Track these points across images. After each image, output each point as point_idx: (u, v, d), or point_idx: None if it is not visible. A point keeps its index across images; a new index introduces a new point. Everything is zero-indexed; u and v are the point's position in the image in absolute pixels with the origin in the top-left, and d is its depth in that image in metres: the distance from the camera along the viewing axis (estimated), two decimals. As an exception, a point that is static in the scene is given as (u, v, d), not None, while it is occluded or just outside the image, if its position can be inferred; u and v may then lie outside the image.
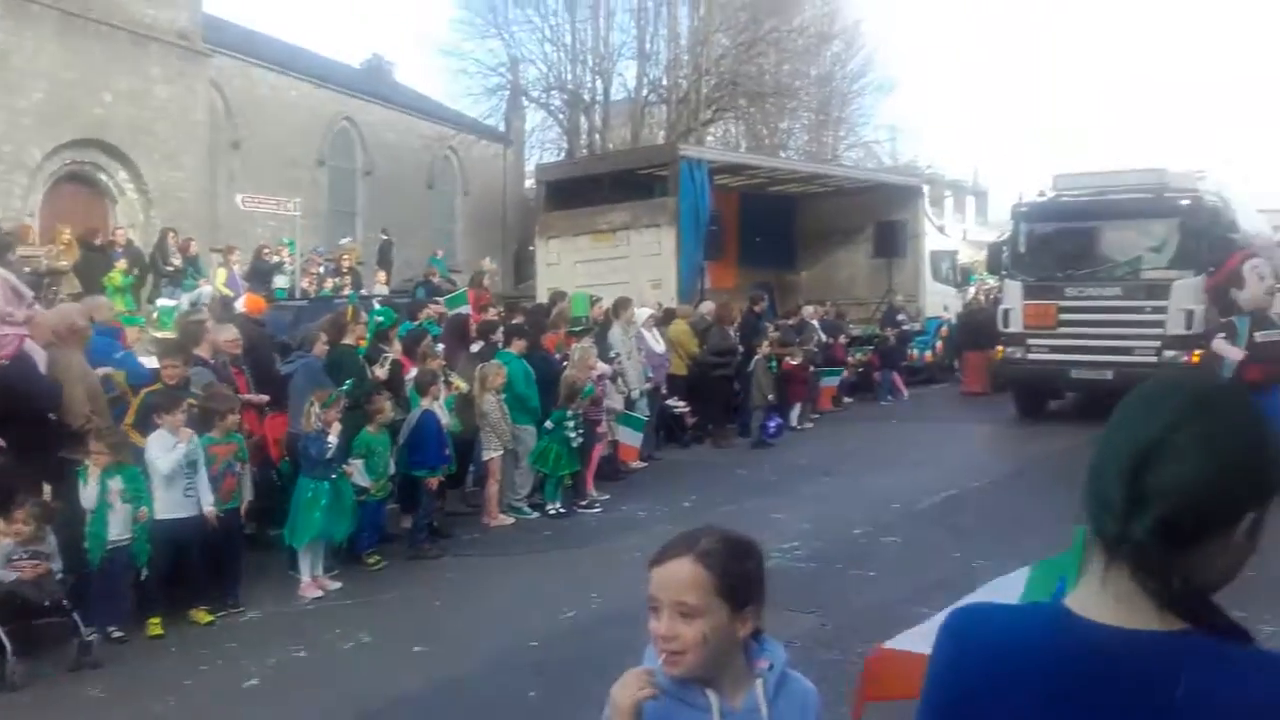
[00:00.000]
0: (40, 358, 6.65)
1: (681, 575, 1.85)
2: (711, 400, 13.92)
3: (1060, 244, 14.42)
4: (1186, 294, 13.03)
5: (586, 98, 31.33)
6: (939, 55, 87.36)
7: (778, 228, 21.26)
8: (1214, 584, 1.24)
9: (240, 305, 10.49)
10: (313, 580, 7.45)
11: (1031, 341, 14.05)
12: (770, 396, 14.01)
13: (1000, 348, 14.88)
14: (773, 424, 13.74)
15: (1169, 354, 12.78)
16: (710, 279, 17.91)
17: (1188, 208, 13.38)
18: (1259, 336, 8.94)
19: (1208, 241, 13.04)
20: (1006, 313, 14.66)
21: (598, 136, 31.22)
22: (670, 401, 13.36)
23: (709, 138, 32.05)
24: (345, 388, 8.14)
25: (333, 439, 7.47)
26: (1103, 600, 1.24)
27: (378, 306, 11.69)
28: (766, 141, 33.09)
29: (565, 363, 10.69)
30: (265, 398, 8.35)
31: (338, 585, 7.55)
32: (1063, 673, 1.23)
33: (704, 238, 15.89)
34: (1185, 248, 13.24)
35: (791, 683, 1.97)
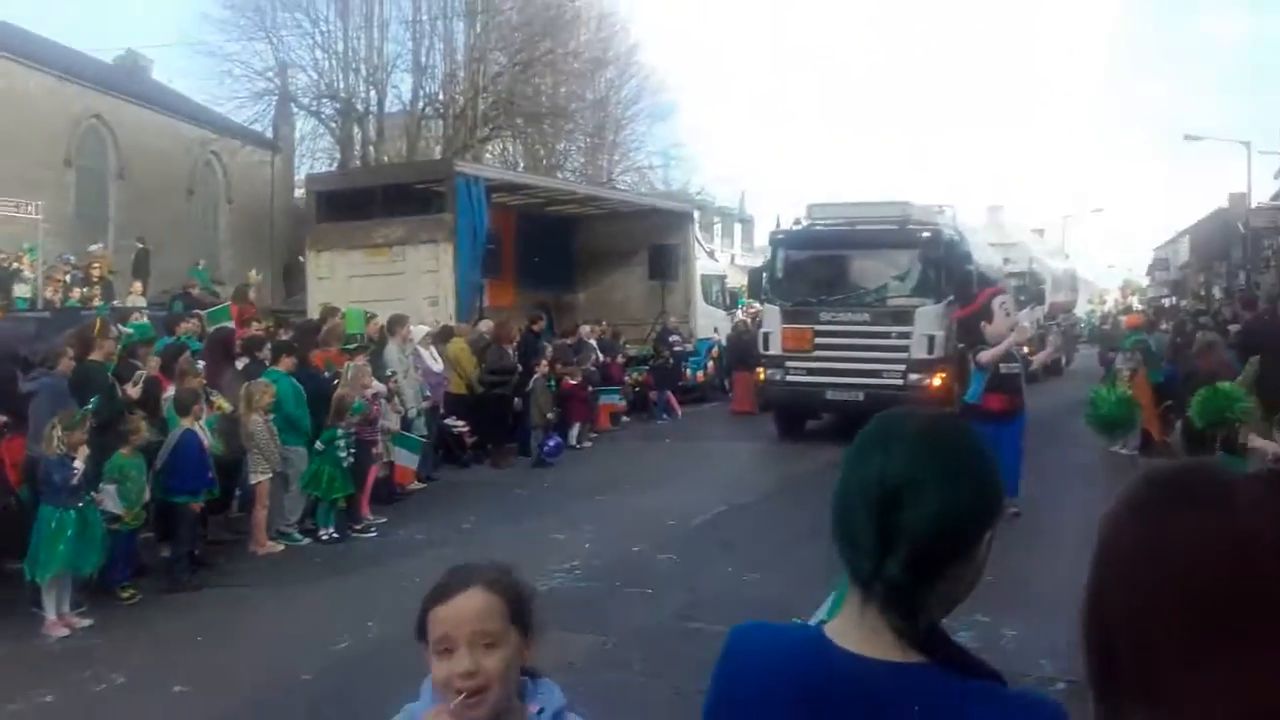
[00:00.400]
0: None
1: (476, 605, 1.80)
2: (490, 419, 13.82)
3: (815, 270, 15.06)
4: (929, 320, 13.84)
5: (360, 108, 30.51)
6: (711, 83, 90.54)
7: (556, 248, 21.40)
8: (958, 600, 1.36)
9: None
10: (59, 618, 6.86)
11: (790, 364, 14.58)
12: (549, 415, 14.05)
13: (761, 370, 15.37)
14: (551, 443, 13.78)
15: (914, 377, 13.59)
16: (489, 297, 17.80)
17: (927, 239, 14.27)
18: (1002, 368, 9.38)
19: (945, 272, 13.99)
20: (766, 336, 15.17)
21: (372, 148, 30.45)
22: (449, 421, 13.16)
23: (486, 155, 31.88)
24: (90, 407, 7.53)
25: (79, 464, 6.90)
26: (858, 630, 1.32)
27: (133, 320, 10.93)
28: (544, 162, 33.25)
29: (336, 381, 10.35)
30: (2, 418, 7.62)
31: (87, 623, 6.97)
32: (813, 697, 1.31)
33: (481, 255, 15.77)
34: (926, 277, 14.10)
35: None
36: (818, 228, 15.40)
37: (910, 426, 1.37)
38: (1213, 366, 10.16)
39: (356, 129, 30.57)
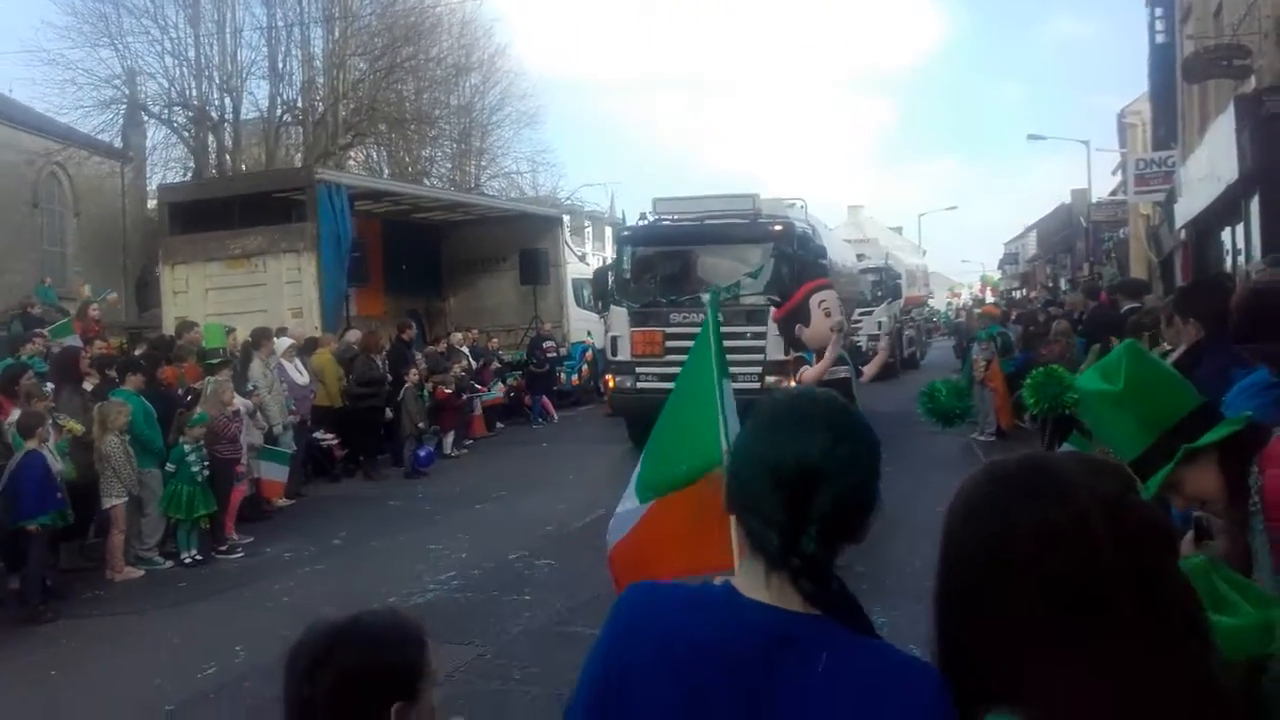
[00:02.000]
0: None
1: None
2: (361, 431, 13.53)
3: (663, 269, 14.16)
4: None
5: (215, 115, 29.46)
6: (578, 87, 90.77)
7: (424, 255, 21.14)
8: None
9: None
10: None
11: (640, 370, 13.59)
12: (421, 425, 13.84)
13: (610, 377, 14.34)
14: (424, 453, 13.57)
15: (770, 380, 12.67)
16: (357, 306, 17.44)
17: (779, 233, 13.47)
18: (827, 375, 7.88)
19: (800, 267, 13.01)
20: (615, 340, 14.15)
21: (228, 157, 29.43)
22: (317, 434, 12.83)
23: (350, 163, 31.19)
24: None
25: None
26: (766, 588, 1.42)
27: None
28: (410, 169, 32.74)
29: (189, 398, 9.98)
30: None
31: None
32: (729, 650, 1.39)
33: (347, 264, 15.42)
34: (779, 273, 13.17)
35: None
36: (665, 224, 14.46)
37: (821, 414, 1.46)
38: (1054, 354, 10.65)
39: (211, 137, 29.51)
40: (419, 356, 14.98)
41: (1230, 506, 2.18)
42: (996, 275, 67.03)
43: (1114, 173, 34.41)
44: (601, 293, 14.76)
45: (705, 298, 4.56)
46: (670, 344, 13.27)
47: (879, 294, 24.95)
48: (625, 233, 15.07)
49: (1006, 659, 1.25)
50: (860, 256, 24.68)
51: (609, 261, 14.73)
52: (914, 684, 1.35)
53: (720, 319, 4.04)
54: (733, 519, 1.52)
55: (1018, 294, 45.40)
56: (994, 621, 1.27)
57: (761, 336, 12.92)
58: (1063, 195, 44.96)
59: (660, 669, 1.41)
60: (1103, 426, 2.39)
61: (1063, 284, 35.92)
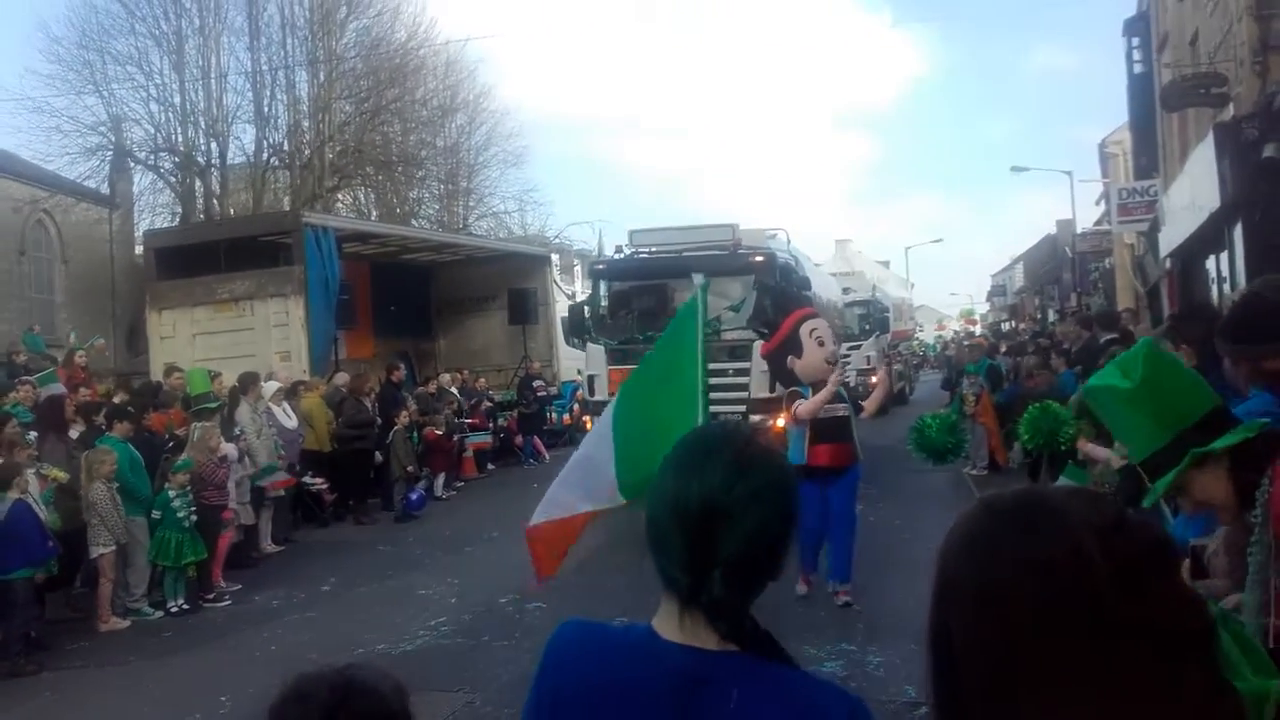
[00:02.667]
0: None
1: None
2: (350, 475, 13.43)
3: (640, 303, 13.41)
4: None
5: (201, 160, 29.51)
6: (564, 128, 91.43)
7: (413, 296, 21.12)
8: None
9: None
10: None
11: None
12: (409, 468, 13.75)
13: (588, 419, 13.04)
14: (415, 495, 13.48)
15: (756, 418, 11.65)
16: (347, 348, 17.39)
17: (760, 265, 12.85)
18: (823, 411, 7.58)
19: (783, 300, 12.30)
20: (592, 380, 13.42)
21: (215, 201, 29.45)
22: (306, 479, 12.72)
23: (339, 205, 31.26)
24: None
25: None
26: (679, 628, 1.43)
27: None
28: (398, 210, 32.79)
29: (171, 444, 9.91)
30: None
31: None
32: (642, 687, 1.42)
33: (335, 306, 15.40)
34: (761, 306, 12.51)
35: None
36: (641, 255, 13.83)
37: (722, 450, 1.44)
38: (1040, 386, 10.65)
39: (198, 182, 29.54)
40: (409, 398, 14.91)
41: (1237, 516, 2.14)
42: (978, 308, 67.30)
43: (1097, 203, 34.64)
44: (576, 329, 14.06)
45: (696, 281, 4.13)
46: None
47: (866, 327, 24.53)
48: (600, 266, 14.42)
49: (1001, 696, 1.21)
50: (846, 290, 24.33)
51: (583, 298, 13.91)
52: (827, 713, 1.38)
53: (706, 307, 3.99)
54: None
55: (1006, 326, 45.56)
56: (990, 659, 1.23)
57: (745, 373, 12.35)
58: (1048, 226, 45.28)
59: (584, 707, 1.45)
60: (1117, 422, 2.35)
61: (1051, 315, 36.08)
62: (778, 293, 12.66)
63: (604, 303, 13.78)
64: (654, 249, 13.81)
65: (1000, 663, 1.22)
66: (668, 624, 1.45)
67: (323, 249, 15.24)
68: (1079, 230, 34.93)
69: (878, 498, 11.79)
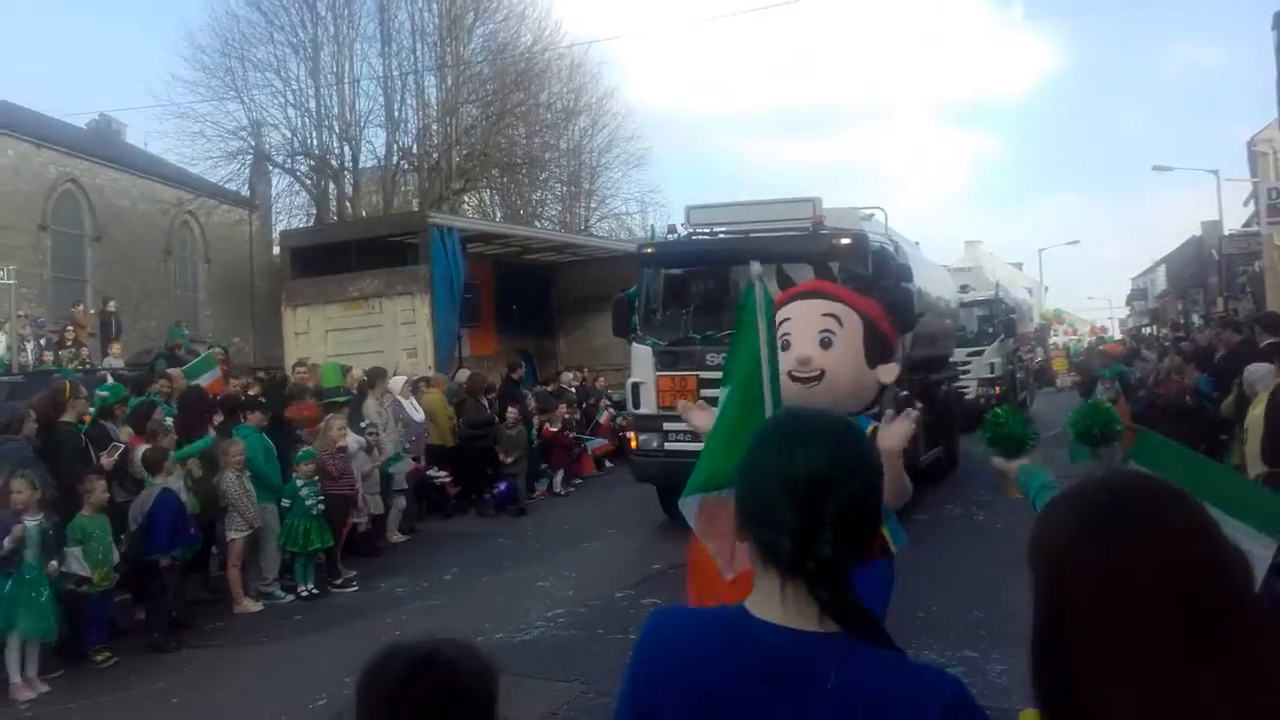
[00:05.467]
0: None
1: None
2: (473, 469, 13.69)
3: (697, 296, 11.33)
4: None
5: (334, 163, 30.60)
6: (687, 127, 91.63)
7: (535, 295, 21.42)
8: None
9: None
10: (24, 681, 6.76)
11: (669, 426, 10.48)
12: (507, 460, 13.63)
13: (633, 435, 11.59)
14: (502, 487, 13.49)
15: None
16: (471, 346, 17.75)
17: (846, 249, 10.33)
18: None
19: (875, 293, 9.74)
20: (636, 388, 11.26)
21: (348, 203, 30.50)
22: (431, 472, 13.02)
23: (465, 206, 31.99)
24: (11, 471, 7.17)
25: (8, 542, 6.68)
26: (780, 607, 1.44)
27: (102, 381, 10.82)
28: (521, 211, 33.40)
29: (300, 434, 10.26)
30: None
31: (45, 688, 6.83)
32: (741, 668, 1.43)
33: (459, 305, 15.74)
34: None
35: None
36: (699, 238, 11.64)
37: (818, 424, 1.52)
38: (1172, 392, 10.19)
39: (332, 185, 30.64)
40: (528, 395, 15.11)
41: None
42: (1117, 313, 64.68)
43: (1246, 203, 32.94)
44: (619, 325, 11.89)
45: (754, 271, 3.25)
46: (706, 393, 9.19)
47: (989, 330, 22.14)
48: (648, 251, 11.82)
49: (1123, 681, 1.19)
50: (964, 288, 21.01)
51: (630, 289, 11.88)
52: (926, 697, 1.37)
53: (770, 304, 3.42)
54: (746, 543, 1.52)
55: (1147, 330, 43.71)
56: (1108, 653, 1.20)
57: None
58: (1192, 228, 43.25)
59: (678, 691, 1.47)
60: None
61: (1196, 320, 34.45)
62: (869, 284, 10.34)
63: (652, 295, 11.52)
64: (715, 229, 11.61)
65: (1119, 656, 1.20)
66: (765, 603, 1.47)
67: (448, 249, 15.61)
68: (1226, 232, 33.26)
69: (990, 500, 11.48)
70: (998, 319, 22.32)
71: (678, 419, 9.08)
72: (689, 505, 3.27)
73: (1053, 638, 1.26)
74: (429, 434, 13.02)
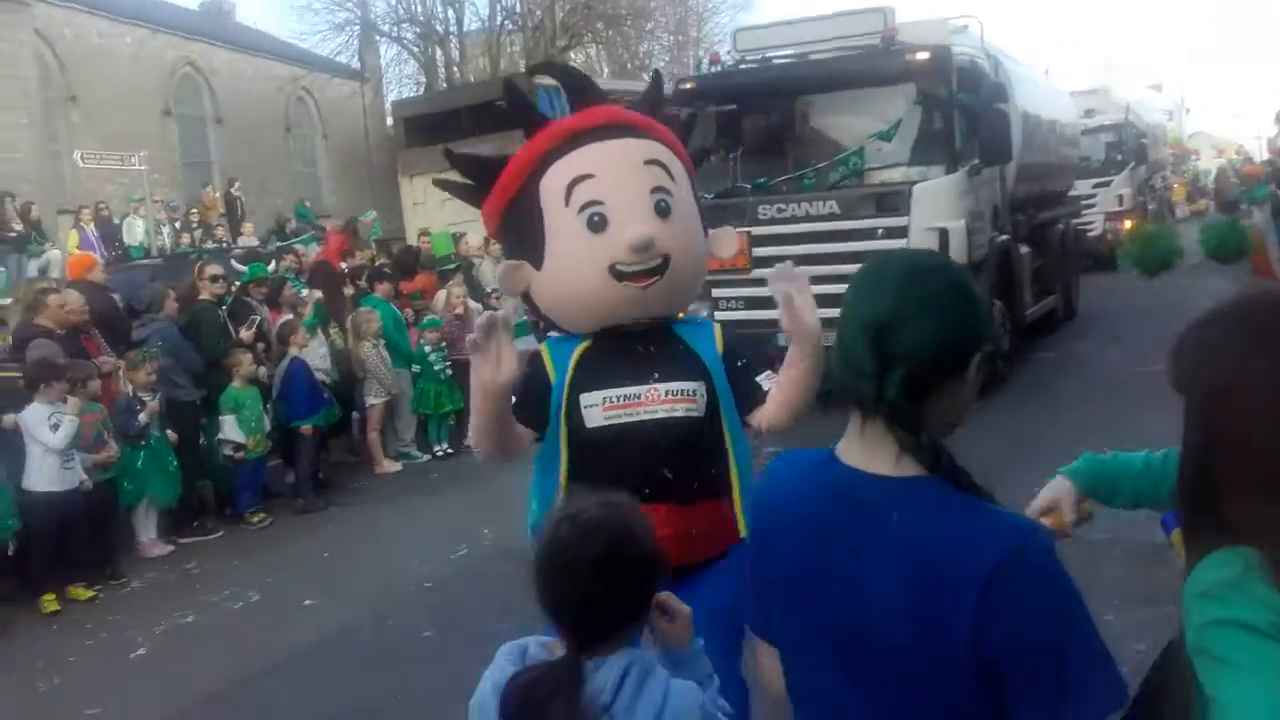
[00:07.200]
0: None
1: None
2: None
3: (746, 137, 9.87)
4: (937, 203, 8.76)
5: (440, 29, 30.43)
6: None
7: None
8: (954, 423, 1.51)
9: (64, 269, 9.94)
10: (150, 541, 7.46)
11: (717, 294, 9.02)
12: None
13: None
14: None
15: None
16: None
17: (925, 66, 8.87)
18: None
19: (964, 120, 9.05)
20: None
21: (455, 69, 30.42)
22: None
23: (571, 64, 31.53)
24: (154, 349, 7.63)
25: (143, 417, 7.23)
26: (859, 448, 1.50)
27: (235, 259, 11.32)
28: (629, 65, 32.77)
29: (418, 303, 10.58)
30: (119, 362, 7.97)
31: (169, 548, 7.49)
32: (818, 508, 1.52)
33: (573, 164, 15.66)
34: (929, 130, 9.11)
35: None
36: (747, 67, 10.08)
37: (895, 267, 1.53)
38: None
39: (439, 51, 30.54)
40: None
41: None
42: (1265, 132, 60.21)
43: None
44: None
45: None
46: (759, 251, 8.48)
47: (1118, 158, 19.96)
48: (687, 87, 9.91)
49: (1271, 505, 1.20)
50: (1089, 112, 18.89)
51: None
52: (983, 545, 1.36)
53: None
54: None
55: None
56: (1262, 467, 1.22)
57: (901, 233, 8.65)
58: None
59: (774, 525, 1.60)
60: None
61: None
62: (957, 109, 9.02)
63: (692, 139, 9.94)
64: (768, 54, 10.08)
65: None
66: (848, 447, 1.53)
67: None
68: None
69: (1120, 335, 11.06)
70: (1127, 145, 20.31)
71: (728, 284, 8.78)
72: None
73: (1206, 458, 1.29)
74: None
